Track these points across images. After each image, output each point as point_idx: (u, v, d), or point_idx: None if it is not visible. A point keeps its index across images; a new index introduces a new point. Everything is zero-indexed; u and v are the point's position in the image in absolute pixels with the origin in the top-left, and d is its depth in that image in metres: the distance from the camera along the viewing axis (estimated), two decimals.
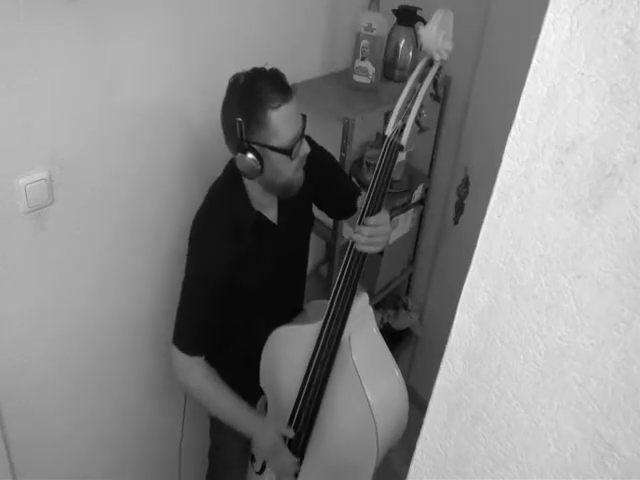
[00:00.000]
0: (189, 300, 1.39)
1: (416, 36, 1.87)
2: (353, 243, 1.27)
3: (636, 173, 0.42)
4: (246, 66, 1.65)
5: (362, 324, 1.37)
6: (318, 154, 1.50)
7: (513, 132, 0.48)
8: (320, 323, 1.34)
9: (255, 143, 1.22)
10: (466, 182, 2.13)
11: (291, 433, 1.43)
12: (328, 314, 1.32)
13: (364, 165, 2.10)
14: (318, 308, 1.50)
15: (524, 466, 0.56)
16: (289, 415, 1.43)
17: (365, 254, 1.28)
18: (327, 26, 1.82)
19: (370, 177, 2.07)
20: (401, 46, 1.86)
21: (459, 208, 2.19)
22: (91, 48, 1.25)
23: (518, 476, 0.56)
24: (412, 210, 2.17)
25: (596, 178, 0.44)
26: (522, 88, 0.47)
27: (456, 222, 2.22)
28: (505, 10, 1.84)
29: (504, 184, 0.50)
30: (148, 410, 1.87)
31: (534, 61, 0.45)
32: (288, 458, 1.44)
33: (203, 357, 1.42)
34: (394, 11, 1.84)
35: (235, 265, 1.36)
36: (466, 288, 0.55)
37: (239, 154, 1.23)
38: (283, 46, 1.67)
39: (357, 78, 1.78)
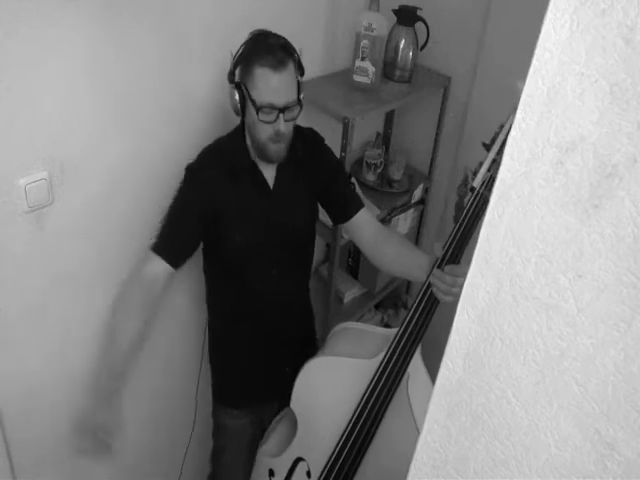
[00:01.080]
0: (171, 211, 1.41)
1: (416, 36, 1.87)
2: (429, 286, 1.26)
3: (636, 173, 0.42)
4: None
5: (415, 362, 1.35)
6: (326, 154, 1.55)
7: (513, 132, 0.48)
8: (379, 359, 1.32)
9: (243, 84, 1.32)
10: (466, 182, 2.13)
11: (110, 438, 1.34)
12: (393, 352, 1.30)
13: (364, 165, 2.10)
14: (353, 335, 1.47)
15: (524, 466, 0.56)
16: (333, 447, 1.40)
17: (438, 301, 1.27)
18: (327, 26, 1.82)
19: (371, 177, 2.09)
20: (401, 46, 1.86)
21: (459, 208, 2.19)
22: (91, 48, 1.25)
23: (518, 476, 0.56)
24: (412, 210, 2.17)
25: (596, 178, 0.44)
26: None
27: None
28: (505, 10, 1.84)
29: (504, 184, 0.50)
30: (149, 411, 1.87)
31: (534, 61, 0.45)
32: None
33: (164, 262, 1.36)
34: (394, 11, 1.84)
35: (223, 207, 1.40)
36: (466, 288, 0.55)
37: (229, 84, 1.35)
38: None
39: (357, 78, 1.78)
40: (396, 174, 2.10)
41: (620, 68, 0.41)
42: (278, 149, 1.37)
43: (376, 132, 2.19)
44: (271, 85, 1.28)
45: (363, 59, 1.74)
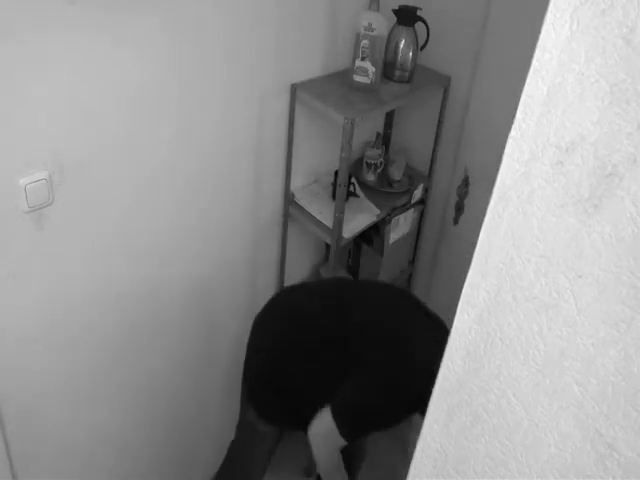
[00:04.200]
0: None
1: (416, 36, 1.87)
2: None
3: (636, 173, 0.42)
4: (247, 64, 1.65)
5: None
6: None
7: (513, 132, 0.48)
8: None
9: None
10: (466, 182, 2.13)
11: None
12: None
13: (364, 165, 2.10)
14: None
15: (524, 466, 0.56)
16: None
17: None
18: (327, 26, 1.81)
19: (371, 177, 2.09)
20: (401, 46, 1.86)
21: (459, 208, 2.19)
22: (92, 48, 1.25)
23: (518, 476, 0.56)
24: (412, 210, 2.17)
25: (596, 178, 0.44)
26: (522, 88, 0.47)
27: (456, 222, 2.22)
28: (505, 10, 1.84)
29: (504, 184, 0.50)
30: (149, 410, 1.87)
31: (534, 61, 0.45)
32: None
33: None
34: (394, 11, 1.84)
35: None
36: (466, 288, 0.55)
37: None
38: (283, 46, 1.67)
39: (357, 78, 1.78)
40: (396, 174, 2.10)
41: (620, 68, 0.41)
42: None
43: (376, 132, 2.19)
44: None
45: (363, 59, 1.74)
